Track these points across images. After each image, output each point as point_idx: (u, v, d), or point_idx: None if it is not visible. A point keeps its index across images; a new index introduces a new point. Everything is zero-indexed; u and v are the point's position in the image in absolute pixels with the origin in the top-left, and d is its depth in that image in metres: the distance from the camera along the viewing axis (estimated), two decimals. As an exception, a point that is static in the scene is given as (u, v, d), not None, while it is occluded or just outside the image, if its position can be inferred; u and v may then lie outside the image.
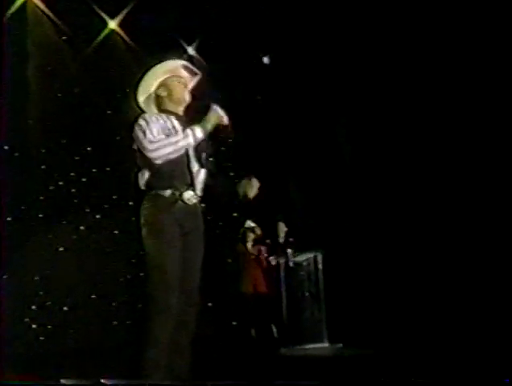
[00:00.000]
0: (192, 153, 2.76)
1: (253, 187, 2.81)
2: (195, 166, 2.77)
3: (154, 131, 2.67)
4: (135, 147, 2.72)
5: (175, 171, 2.71)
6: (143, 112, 2.81)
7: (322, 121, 6.82)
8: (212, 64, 6.37)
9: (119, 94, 6.26)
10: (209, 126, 2.68)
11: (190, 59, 6.45)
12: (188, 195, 2.72)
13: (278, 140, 7.10)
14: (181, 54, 6.47)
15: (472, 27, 5.05)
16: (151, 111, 2.83)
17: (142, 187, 2.74)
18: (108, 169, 6.21)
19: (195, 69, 2.88)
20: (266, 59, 7.04)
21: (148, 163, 2.68)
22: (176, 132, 2.70)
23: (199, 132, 2.66)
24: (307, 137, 6.94)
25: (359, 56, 6.07)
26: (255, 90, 7.10)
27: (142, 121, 2.68)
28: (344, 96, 6.57)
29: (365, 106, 6.27)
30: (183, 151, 2.65)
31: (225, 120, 2.68)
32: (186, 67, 2.88)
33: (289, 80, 6.88)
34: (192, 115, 2.84)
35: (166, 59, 2.89)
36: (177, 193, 2.70)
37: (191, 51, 6.75)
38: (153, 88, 2.83)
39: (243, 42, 6.54)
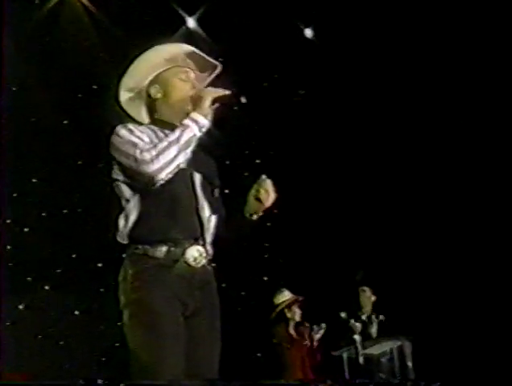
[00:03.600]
0: (200, 190, 2.86)
1: (267, 191, 2.91)
2: (205, 211, 2.86)
3: (145, 137, 2.79)
4: (117, 176, 2.81)
5: (177, 215, 2.79)
6: (129, 119, 2.97)
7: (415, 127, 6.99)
8: (223, 44, 6.46)
9: (80, 94, 6.34)
10: (207, 104, 2.81)
11: (190, 35, 6.62)
12: (195, 252, 2.77)
13: (331, 155, 7.17)
14: (177, 28, 6.64)
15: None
16: (141, 117, 2.98)
17: (123, 241, 2.79)
18: (65, 211, 6.19)
19: (211, 60, 2.99)
20: (308, 32, 7.11)
21: (142, 192, 2.77)
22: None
23: (200, 117, 2.80)
24: (389, 152, 7.10)
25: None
26: (294, 81, 7.11)
27: (123, 131, 2.80)
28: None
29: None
30: (189, 152, 2.79)
31: (223, 91, 2.86)
32: (196, 57, 2.98)
33: (346, 63, 6.95)
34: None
35: (163, 41, 3.04)
36: (177, 250, 2.76)
37: (192, 23, 6.86)
38: (144, 83, 2.94)
39: (271, 7, 6.62)
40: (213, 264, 2.88)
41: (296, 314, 6.26)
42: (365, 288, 6.52)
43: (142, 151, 2.70)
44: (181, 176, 2.82)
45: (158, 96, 2.91)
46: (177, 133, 2.75)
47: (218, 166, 3.03)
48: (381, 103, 7.05)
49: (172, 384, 2.64)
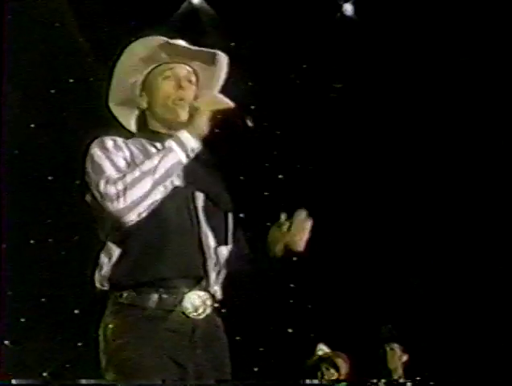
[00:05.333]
0: (202, 215, 2.87)
1: (300, 236, 3.00)
2: (210, 241, 2.86)
3: (121, 162, 2.82)
4: (88, 198, 2.86)
5: (171, 248, 2.79)
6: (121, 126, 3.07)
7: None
8: (235, 23, 6.64)
9: (53, 89, 6.45)
10: (202, 119, 2.80)
11: (194, 13, 6.77)
12: (196, 298, 2.78)
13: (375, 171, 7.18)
14: (178, 5, 6.78)
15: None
16: (130, 126, 3.06)
17: (103, 286, 2.82)
18: (32, 242, 6.32)
19: (191, 47, 2.99)
20: (348, 8, 7.27)
21: (113, 229, 2.80)
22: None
23: (187, 137, 2.81)
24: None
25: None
26: (329, 71, 7.14)
27: (96, 149, 2.83)
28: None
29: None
30: (169, 185, 2.81)
31: (226, 104, 2.88)
32: (170, 47, 2.97)
33: (394, 48, 7.03)
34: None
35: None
36: (171, 298, 2.77)
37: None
38: (135, 93, 3.02)
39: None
40: (223, 310, 2.83)
41: (335, 374, 6.02)
42: (394, 345, 6.46)
43: (107, 182, 2.71)
44: (179, 197, 2.82)
45: (146, 106, 2.98)
46: (155, 159, 2.77)
47: (230, 182, 3.02)
48: (440, 97, 7.05)
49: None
